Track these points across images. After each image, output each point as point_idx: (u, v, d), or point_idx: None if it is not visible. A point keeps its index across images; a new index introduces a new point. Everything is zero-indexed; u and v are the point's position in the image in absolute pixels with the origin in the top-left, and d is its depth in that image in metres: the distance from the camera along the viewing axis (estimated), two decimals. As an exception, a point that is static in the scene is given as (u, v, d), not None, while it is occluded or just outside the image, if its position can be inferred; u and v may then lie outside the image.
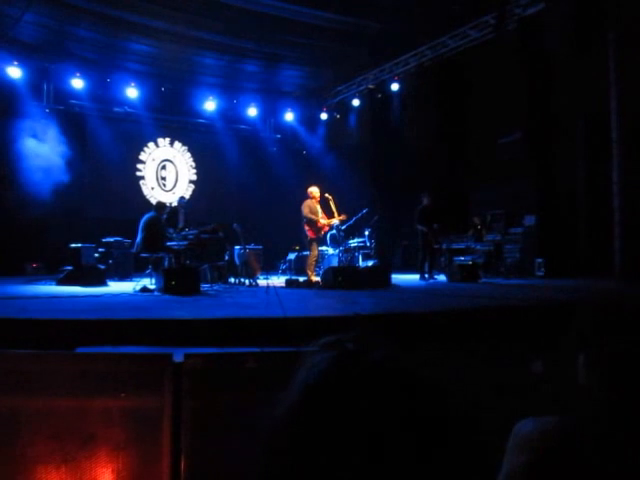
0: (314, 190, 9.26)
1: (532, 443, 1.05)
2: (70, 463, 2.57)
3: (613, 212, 9.02)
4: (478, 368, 3.03)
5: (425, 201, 10.00)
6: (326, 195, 9.31)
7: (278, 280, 9.64)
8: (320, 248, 9.85)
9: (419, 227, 9.88)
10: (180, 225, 9.73)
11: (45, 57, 11.74)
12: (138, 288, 7.54)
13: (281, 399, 0.63)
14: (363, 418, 0.58)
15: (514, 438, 1.08)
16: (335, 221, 9.34)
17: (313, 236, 9.13)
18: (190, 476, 2.63)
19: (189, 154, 15.08)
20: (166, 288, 6.97)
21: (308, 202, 9.18)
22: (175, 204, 11.10)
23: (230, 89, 14.32)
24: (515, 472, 1.04)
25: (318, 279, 8.79)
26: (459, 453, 0.61)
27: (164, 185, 14.65)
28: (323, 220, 9.19)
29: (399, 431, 0.58)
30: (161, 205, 9.09)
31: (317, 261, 9.48)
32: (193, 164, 15.11)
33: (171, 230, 8.99)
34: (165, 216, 8.82)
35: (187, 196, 14.67)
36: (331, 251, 10.29)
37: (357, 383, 0.61)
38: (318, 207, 9.25)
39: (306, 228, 9.16)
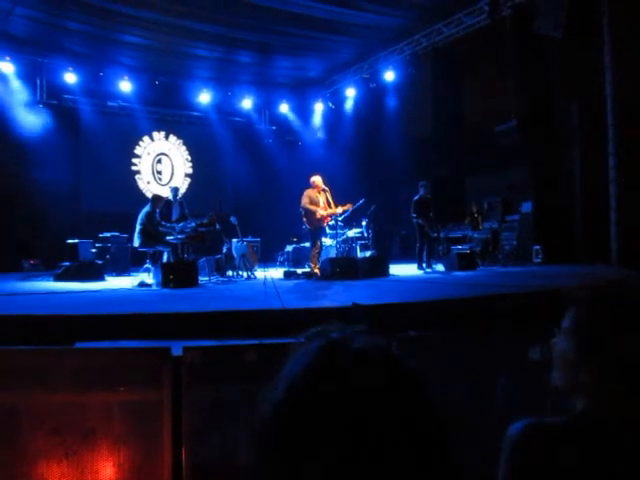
0: (317, 179, 8.84)
1: (520, 447, 1.03)
2: (71, 457, 2.58)
3: (609, 198, 9.02)
4: (479, 356, 3.04)
5: (422, 191, 9.91)
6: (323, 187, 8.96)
7: (276, 272, 9.62)
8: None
9: (415, 218, 9.81)
10: (174, 217, 9.63)
11: (37, 51, 11.63)
12: (136, 283, 7.53)
13: (266, 395, 0.63)
14: (347, 410, 0.58)
15: (506, 441, 1.06)
16: (338, 211, 8.87)
17: (311, 227, 8.85)
18: (191, 468, 2.65)
19: (184, 147, 15.00)
20: (164, 282, 6.96)
21: (309, 192, 8.78)
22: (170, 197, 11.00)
23: (224, 81, 14.24)
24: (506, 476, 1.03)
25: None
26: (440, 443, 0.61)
27: (160, 179, 14.60)
28: (322, 211, 8.75)
29: (384, 422, 0.58)
30: (157, 198, 9.04)
31: (319, 252, 9.00)
32: (189, 157, 15.04)
33: (164, 223, 8.89)
34: (158, 210, 8.76)
35: (183, 189, 14.64)
36: (329, 242, 10.26)
37: (340, 374, 0.60)
38: (320, 197, 8.80)
39: (304, 219, 8.87)
